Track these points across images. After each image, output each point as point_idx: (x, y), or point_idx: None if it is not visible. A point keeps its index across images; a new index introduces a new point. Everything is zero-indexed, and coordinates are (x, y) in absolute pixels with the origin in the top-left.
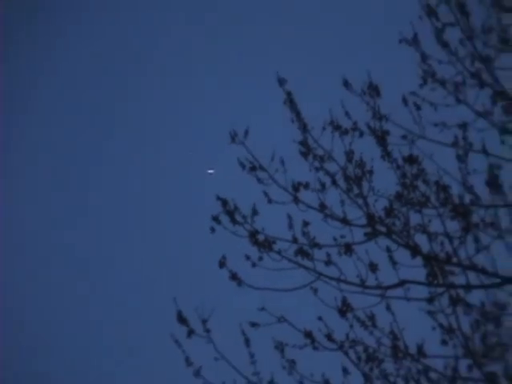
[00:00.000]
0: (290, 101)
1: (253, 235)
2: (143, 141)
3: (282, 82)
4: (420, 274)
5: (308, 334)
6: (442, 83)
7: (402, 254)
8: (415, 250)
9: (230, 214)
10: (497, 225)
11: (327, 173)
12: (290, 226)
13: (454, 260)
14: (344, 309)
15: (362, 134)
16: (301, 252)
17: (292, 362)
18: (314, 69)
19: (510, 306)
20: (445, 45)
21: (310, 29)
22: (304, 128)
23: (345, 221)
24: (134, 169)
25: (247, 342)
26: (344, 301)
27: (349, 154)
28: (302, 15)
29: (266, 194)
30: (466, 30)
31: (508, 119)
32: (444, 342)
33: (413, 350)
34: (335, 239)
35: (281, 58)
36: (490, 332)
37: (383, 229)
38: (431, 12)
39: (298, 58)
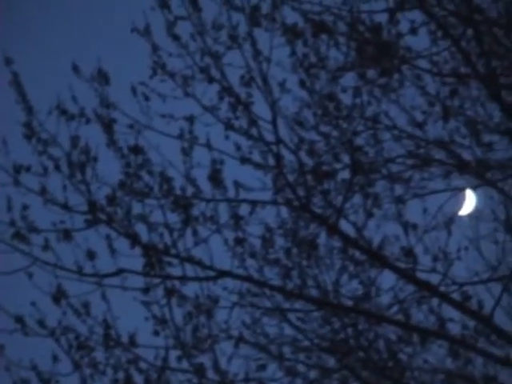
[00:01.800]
0: (16, 82)
1: None
2: None
3: (8, 61)
4: (139, 263)
5: (19, 319)
6: (172, 75)
7: (122, 243)
8: (135, 240)
9: None
10: (216, 219)
11: (50, 157)
12: (9, 209)
13: (173, 251)
14: (58, 295)
15: (88, 121)
16: (18, 236)
17: (0, 347)
18: (44, 52)
19: (223, 299)
20: (176, 38)
21: (43, 11)
22: (29, 110)
23: (66, 207)
24: None
25: None
26: (58, 287)
27: (74, 140)
28: None
29: None
30: (197, 25)
31: (233, 115)
32: (156, 333)
33: (125, 339)
34: (54, 224)
35: (9, 39)
36: (201, 324)
37: (104, 217)
38: (164, 4)
39: (27, 39)
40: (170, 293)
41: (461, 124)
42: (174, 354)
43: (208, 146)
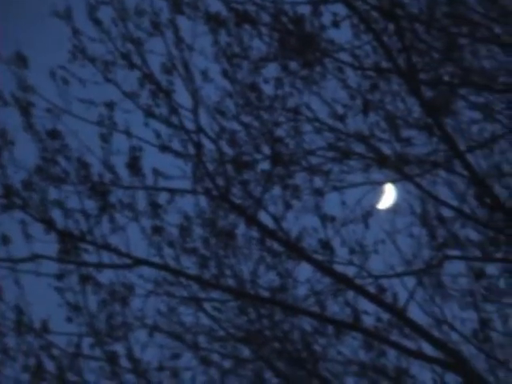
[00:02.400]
0: None
1: None
2: None
3: None
4: (54, 249)
5: None
6: (92, 60)
7: (37, 228)
8: (50, 225)
9: None
10: (134, 206)
11: None
12: None
13: (89, 238)
14: None
15: (5, 104)
16: None
17: None
18: None
19: (138, 287)
20: (97, 22)
21: None
22: None
23: None
24: None
25: None
26: None
27: None
28: None
29: None
30: (119, 10)
31: (154, 103)
32: (69, 320)
33: (37, 325)
34: None
35: None
36: (115, 312)
37: (19, 201)
38: None
39: None
40: (84, 279)
41: (381, 118)
42: (87, 341)
43: (127, 132)
